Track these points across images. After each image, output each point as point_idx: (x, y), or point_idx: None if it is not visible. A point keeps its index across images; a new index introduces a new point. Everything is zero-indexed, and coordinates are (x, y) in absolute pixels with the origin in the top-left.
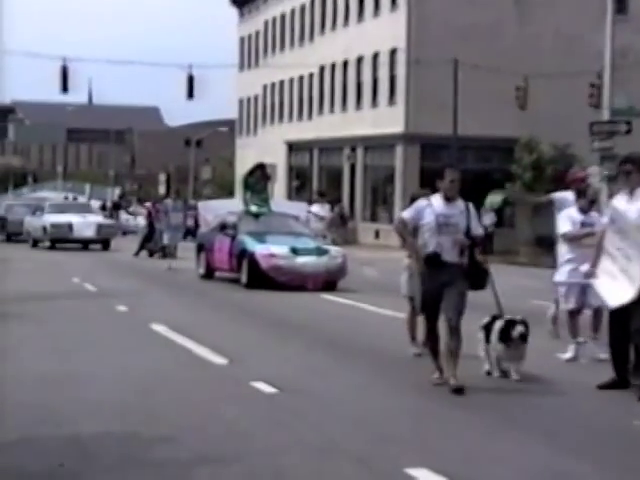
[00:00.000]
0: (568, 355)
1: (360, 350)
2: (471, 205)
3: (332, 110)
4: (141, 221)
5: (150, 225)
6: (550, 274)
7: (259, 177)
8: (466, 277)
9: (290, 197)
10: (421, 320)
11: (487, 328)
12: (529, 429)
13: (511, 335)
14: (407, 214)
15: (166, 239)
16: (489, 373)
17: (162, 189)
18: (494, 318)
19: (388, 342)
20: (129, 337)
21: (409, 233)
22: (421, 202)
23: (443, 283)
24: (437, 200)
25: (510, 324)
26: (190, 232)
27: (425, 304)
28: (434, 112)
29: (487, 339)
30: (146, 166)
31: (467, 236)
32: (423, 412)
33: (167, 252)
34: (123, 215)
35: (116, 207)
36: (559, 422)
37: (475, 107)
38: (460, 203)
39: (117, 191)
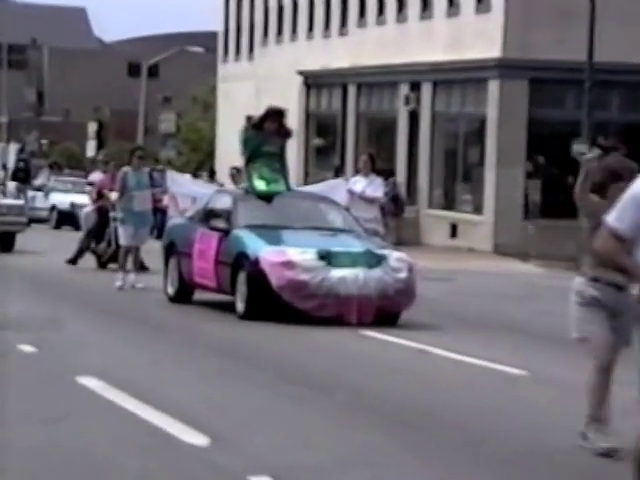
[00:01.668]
0: None
1: (438, 428)
2: None
3: (380, 20)
4: (61, 202)
5: (101, 213)
6: None
7: (270, 132)
8: None
9: (307, 165)
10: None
11: None
12: None
13: None
14: (620, 221)
15: (123, 238)
16: None
17: (92, 147)
18: None
19: (494, 418)
20: (39, 397)
21: (628, 255)
22: (636, 188)
23: None
24: None
25: None
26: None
27: None
28: (552, 24)
29: None
30: (63, 107)
31: None
32: None
33: (118, 258)
34: (29, 192)
35: (19, 178)
36: None
37: (625, 17)
38: None
39: (14, 149)
